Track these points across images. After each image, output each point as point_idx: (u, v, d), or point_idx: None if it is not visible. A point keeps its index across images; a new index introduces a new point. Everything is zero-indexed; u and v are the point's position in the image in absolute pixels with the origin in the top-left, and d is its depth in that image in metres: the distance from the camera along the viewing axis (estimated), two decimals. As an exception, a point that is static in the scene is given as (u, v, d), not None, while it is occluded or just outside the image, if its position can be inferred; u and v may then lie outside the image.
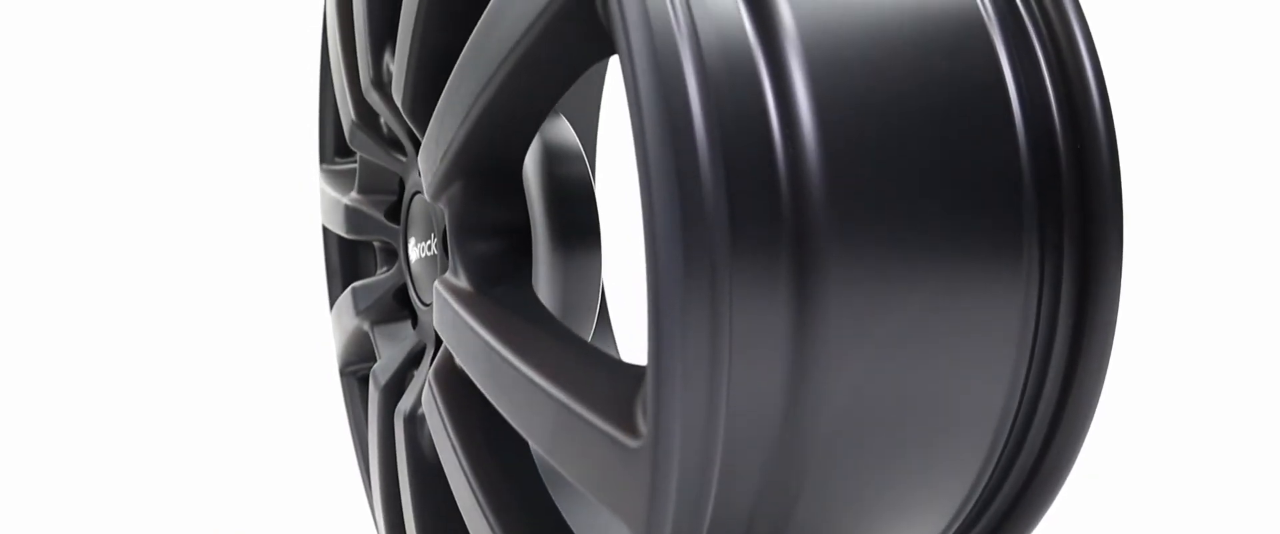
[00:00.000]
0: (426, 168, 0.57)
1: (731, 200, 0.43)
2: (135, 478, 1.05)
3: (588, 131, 0.92)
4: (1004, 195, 0.51)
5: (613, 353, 0.92)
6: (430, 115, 0.60)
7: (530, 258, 0.60)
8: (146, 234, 1.44)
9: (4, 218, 1.44)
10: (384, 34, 0.65)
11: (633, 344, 0.94)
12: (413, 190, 0.68)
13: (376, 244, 0.83)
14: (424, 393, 0.62)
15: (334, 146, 0.87)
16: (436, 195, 0.57)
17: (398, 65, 0.60)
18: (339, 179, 0.82)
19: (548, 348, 0.50)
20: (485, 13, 0.50)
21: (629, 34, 0.40)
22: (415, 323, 0.73)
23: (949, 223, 0.50)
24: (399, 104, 0.61)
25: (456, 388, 0.58)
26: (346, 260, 0.89)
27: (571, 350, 0.49)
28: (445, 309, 0.57)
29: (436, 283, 0.59)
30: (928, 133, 0.49)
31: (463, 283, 0.57)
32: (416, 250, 0.69)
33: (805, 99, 0.46)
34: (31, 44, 1.48)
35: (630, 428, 0.44)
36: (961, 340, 0.51)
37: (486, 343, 0.51)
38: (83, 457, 1.10)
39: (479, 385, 0.54)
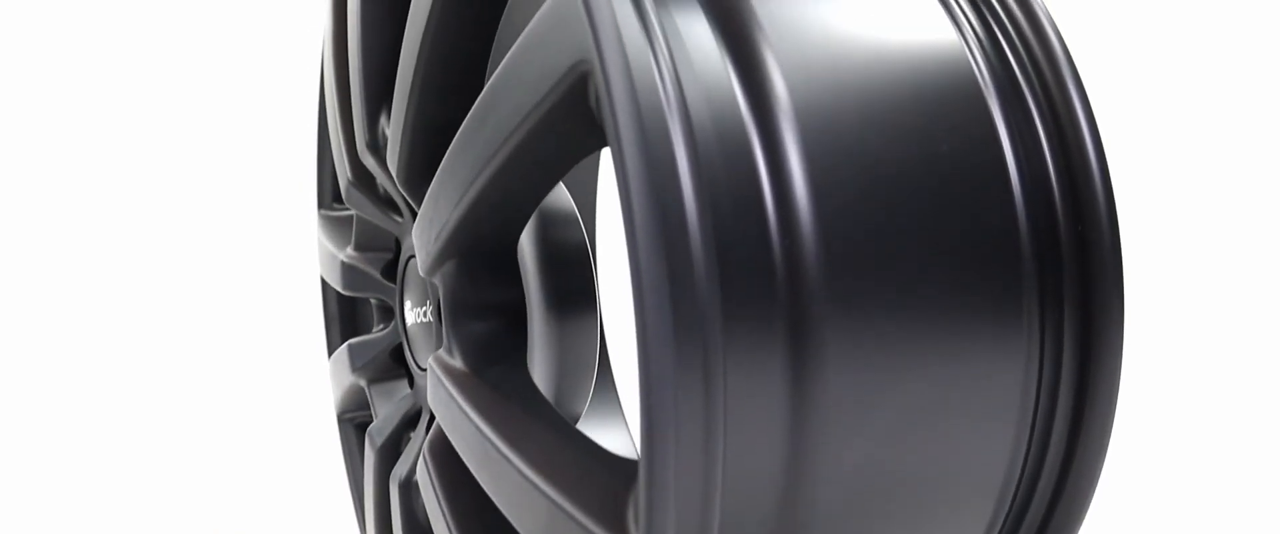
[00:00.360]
0: (420, 244, 0.57)
1: (724, 285, 0.42)
2: (136, 479, 1.05)
3: (586, 188, 0.91)
4: (1003, 270, 0.51)
5: (614, 401, 0.91)
6: (425, 187, 0.59)
7: (526, 336, 0.60)
8: (147, 235, 1.44)
9: (5, 220, 1.44)
10: (380, 96, 0.65)
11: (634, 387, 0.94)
12: (408, 253, 0.68)
13: (373, 301, 0.82)
14: (419, 465, 0.61)
15: (332, 192, 0.87)
16: (430, 272, 0.57)
17: (392, 134, 0.60)
18: (336, 228, 0.81)
19: (541, 440, 0.49)
20: (480, 98, 0.49)
21: (616, 112, 0.40)
22: (412, 383, 0.72)
23: (948, 299, 0.49)
24: (393, 174, 0.60)
25: (451, 465, 0.58)
26: (344, 309, 0.88)
27: (566, 444, 0.49)
28: (439, 389, 0.56)
29: (431, 359, 0.58)
30: (925, 207, 0.49)
31: (457, 363, 0.56)
32: (412, 314, 0.68)
33: (800, 175, 0.46)
34: (32, 49, 1.48)
35: (622, 531, 0.44)
36: (962, 417, 0.51)
37: (480, 430, 0.51)
38: (83, 458, 1.10)
39: (471, 470, 0.53)
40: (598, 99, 0.41)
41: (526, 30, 0.45)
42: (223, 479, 1.04)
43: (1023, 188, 0.52)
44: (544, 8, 0.44)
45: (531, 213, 0.53)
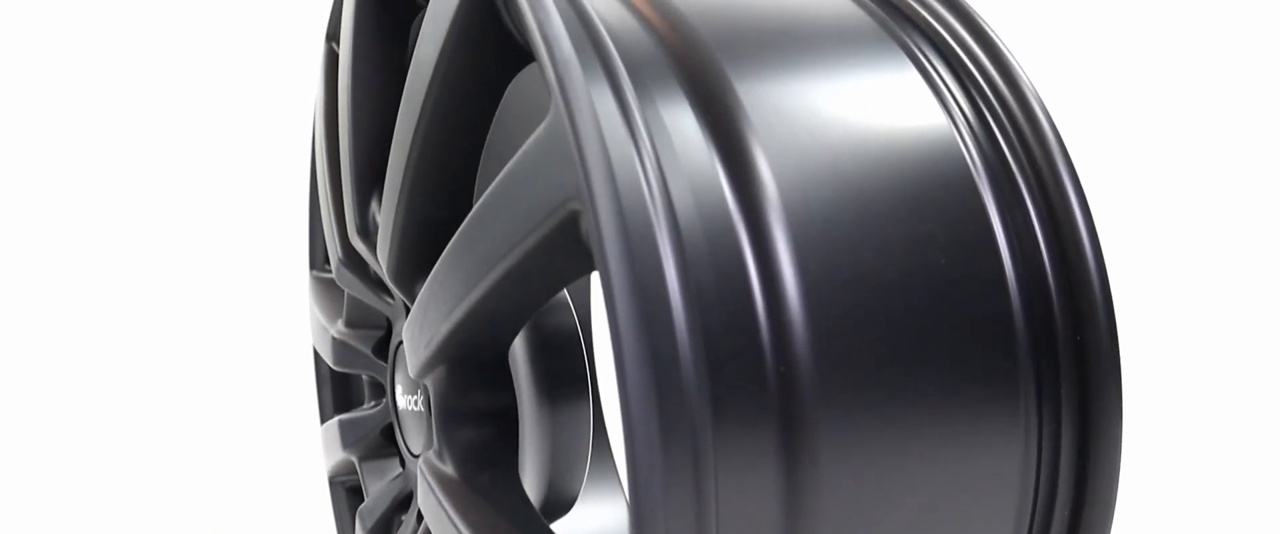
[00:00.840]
0: (410, 348, 0.56)
1: (714, 386, 0.42)
2: (136, 479, 1.05)
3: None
4: (1000, 370, 0.51)
5: (612, 473, 0.91)
6: (416, 283, 0.59)
7: (518, 441, 0.59)
8: (147, 235, 1.44)
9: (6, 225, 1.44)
10: (370, 183, 0.64)
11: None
12: (400, 338, 0.67)
13: (365, 377, 0.82)
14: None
15: (323, 253, 0.86)
16: (421, 375, 0.56)
17: (383, 228, 0.59)
18: (327, 294, 0.80)
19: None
20: (470, 218, 0.48)
21: (610, 265, 0.39)
22: (403, 463, 0.72)
23: (944, 402, 0.49)
24: (383, 270, 0.59)
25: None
26: (336, 372, 0.88)
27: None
28: (429, 495, 0.55)
29: (421, 461, 0.58)
30: (919, 308, 0.48)
31: (448, 469, 0.55)
32: (403, 399, 0.67)
33: (790, 269, 0.45)
34: (33, 53, 1.48)
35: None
36: (961, 521, 0.51)
37: (469, 545, 0.51)
38: (84, 458, 1.10)
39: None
40: (589, 236, 0.41)
41: (518, 157, 0.45)
42: (223, 480, 1.04)
43: (1018, 284, 0.51)
44: (536, 136, 0.43)
45: (523, 326, 0.53)
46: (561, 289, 0.50)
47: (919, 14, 0.59)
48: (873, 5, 0.60)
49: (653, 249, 0.40)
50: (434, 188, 0.55)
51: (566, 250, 0.43)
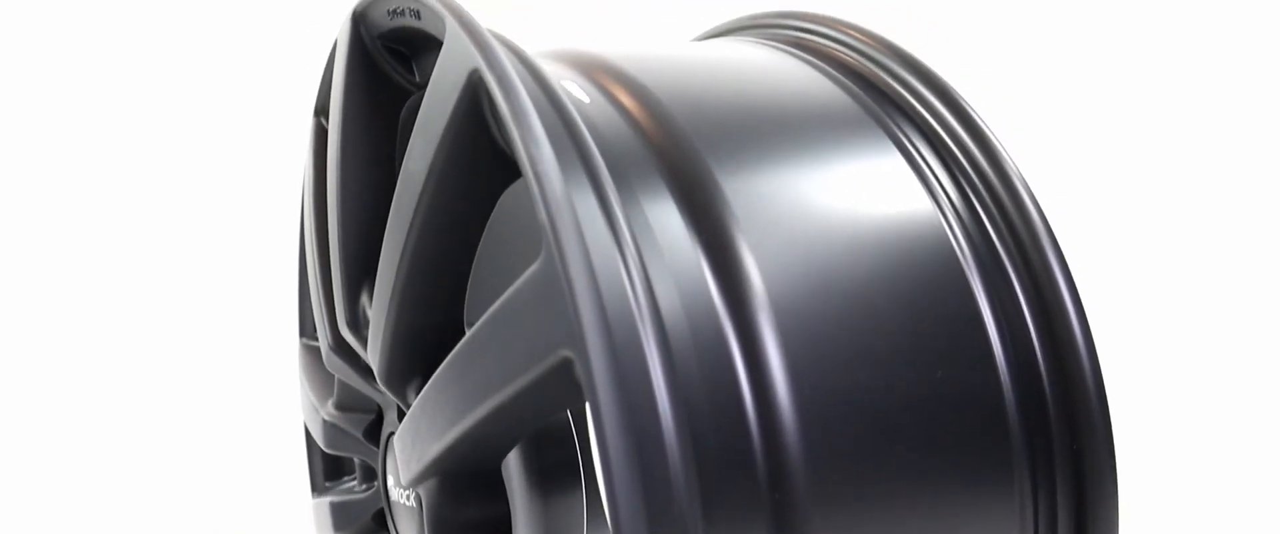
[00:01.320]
0: (402, 458, 0.55)
1: (707, 505, 0.42)
2: (137, 480, 1.04)
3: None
4: (994, 465, 0.52)
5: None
6: (407, 388, 0.58)
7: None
8: (147, 236, 1.43)
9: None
10: (360, 275, 0.63)
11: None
12: (391, 429, 0.67)
13: (356, 460, 0.81)
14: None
15: (313, 325, 0.85)
16: (412, 486, 0.56)
17: (373, 331, 0.58)
18: (318, 370, 0.79)
19: None
20: (462, 347, 0.48)
21: (604, 425, 0.39)
22: (394, 546, 0.71)
23: (937, 485, 0.49)
24: (374, 371, 0.59)
25: None
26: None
27: None
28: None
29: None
30: (909, 398, 0.49)
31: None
32: (395, 491, 0.67)
33: (781, 375, 0.46)
34: (32, 49, 1.47)
35: None
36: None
37: None
38: (84, 460, 1.10)
39: None
40: (582, 380, 0.41)
41: (512, 294, 0.44)
42: (223, 480, 1.04)
43: (1010, 375, 0.52)
44: (530, 275, 0.43)
45: (515, 446, 0.52)
46: (555, 415, 0.49)
47: (903, 98, 0.59)
48: (857, 90, 0.60)
49: (649, 395, 0.40)
50: (425, 296, 0.55)
51: (559, 387, 0.43)
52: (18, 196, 1.42)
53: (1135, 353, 1.20)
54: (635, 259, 0.42)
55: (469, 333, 0.48)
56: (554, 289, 0.41)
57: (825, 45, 0.65)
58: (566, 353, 0.41)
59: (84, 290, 1.39)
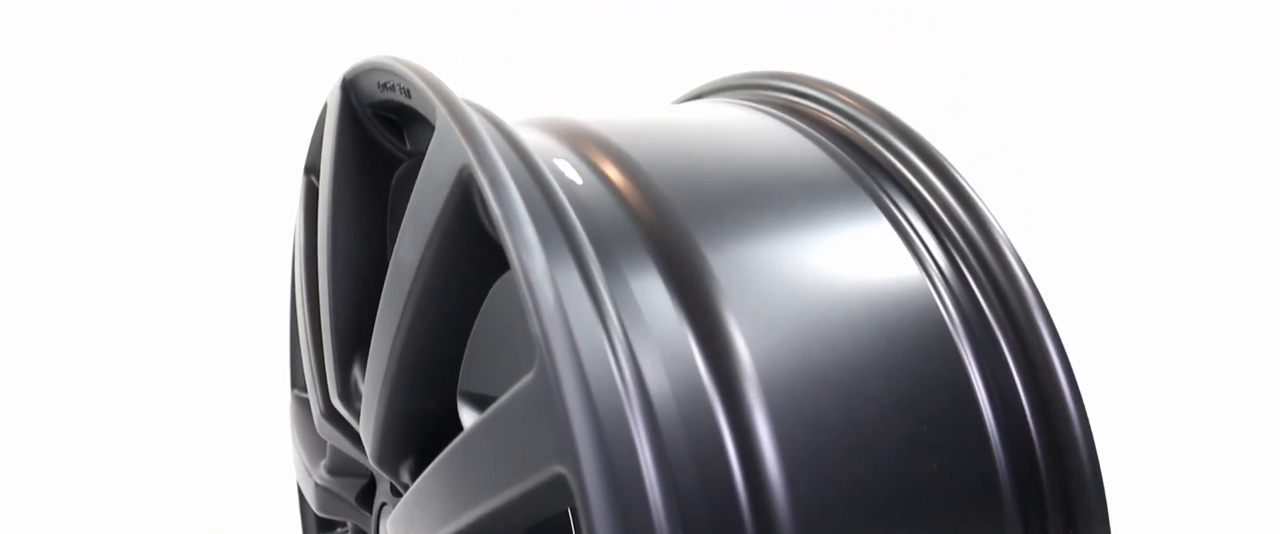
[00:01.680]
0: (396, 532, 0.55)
1: None
2: (137, 480, 1.04)
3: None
4: (985, 524, 0.51)
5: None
6: (400, 468, 0.58)
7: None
8: (147, 236, 1.43)
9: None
10: (352, 346, 0.63)
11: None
12: (382, 499, 0.67)
13: (349, 523, 0.81)
14: None
15: (304, 377, 0.85)
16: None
17: (366, 411, 0.58)
18: (308, 424, 0.79)
19: None
20: (459, 444, 0.47)
21: (589, 498, 0.39)
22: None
23: None
24: (366, 450, 0.59)
25: None
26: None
27: None
28: None
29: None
30: (900, 472, 0.48)
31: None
32: (388, 561, 0.67)
33: (774, 464, 0.46)
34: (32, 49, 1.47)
35: None
36: None
37: None
38: (84, 460, 1.10)
39: None
40: (575, 495, 0.40)
41: (507, 402, 0.44)
42: (223, 480, 1.03)
43: (1002, 444, 0.52)
44: (524, 385, 0.42)
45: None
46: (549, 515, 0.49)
47: (890, 162, 0.59)
48: (846, 157, 0.60)
49: (642, 502, 0.40)
50: (418, 382, 0.54)
51: (553, 496, 0.43)
52: (17, 213, 1.42)
53: (1122, 379, 1.20)
54: (630, 365, 0.42)
55: (463, 434, 0.47)
56: (548, 405, 0.40)
57: (815, 110, 0.65)
58: (560, 469, 0.40)
59: (84, 290, 1.39)
